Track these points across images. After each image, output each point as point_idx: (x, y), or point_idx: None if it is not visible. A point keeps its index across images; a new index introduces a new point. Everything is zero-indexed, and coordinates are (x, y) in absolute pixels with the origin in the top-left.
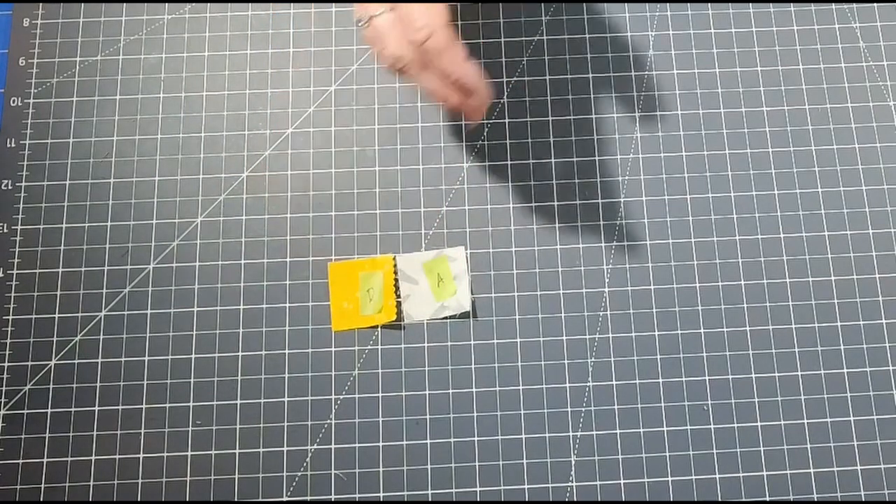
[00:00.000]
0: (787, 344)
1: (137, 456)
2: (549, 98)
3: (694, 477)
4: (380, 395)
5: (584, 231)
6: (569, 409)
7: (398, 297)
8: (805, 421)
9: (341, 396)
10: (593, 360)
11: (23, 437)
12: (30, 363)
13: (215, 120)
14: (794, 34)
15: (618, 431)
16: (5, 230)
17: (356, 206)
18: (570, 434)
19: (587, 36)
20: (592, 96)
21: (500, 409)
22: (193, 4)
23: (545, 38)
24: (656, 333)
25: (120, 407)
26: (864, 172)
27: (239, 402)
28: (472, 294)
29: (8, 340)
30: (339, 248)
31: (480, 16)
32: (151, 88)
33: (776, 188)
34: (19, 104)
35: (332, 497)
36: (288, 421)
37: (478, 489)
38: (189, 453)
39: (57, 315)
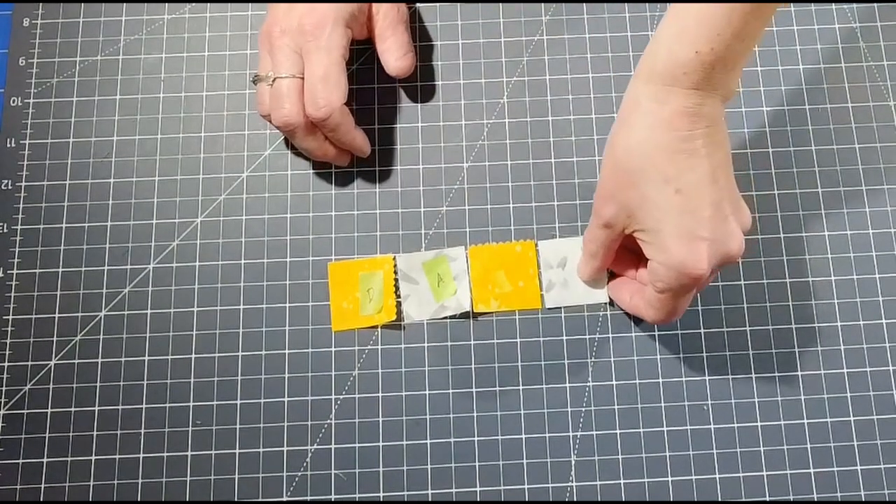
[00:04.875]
0: (787, 344)
1: (137, 456)
2: (549, 98)
3: (694, 477)
4: (380, 395)
5: (584, 231)
6: (569, 409)
7: (398, 297)
8: (805, 421)
9: (341, 396)
10: (593, 360)
11: (23, 437)
12: (30, 363)
13: (215, 120)
14: (794, 34)
15: (618, 431)
16: (5, 230)
17: (356, 206)
18: (570, 434)
19: (587, 36)
20: (592, 96)
21: (500, 409)
22: (193, 4)
23: (545, 38)
24: (656, 333)
25: (120, 407)
26: (864, 172)
27: (239, 402)
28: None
29: (8, 340)
30: (338, 248)
31: (480, 16)
32: (151, 88)
33: (776, 188)
34: (19, 104)
35: (332, 497)
36: (288, 421)
37: (478, 489)
38: (189, 453)
39: (57, 315)
